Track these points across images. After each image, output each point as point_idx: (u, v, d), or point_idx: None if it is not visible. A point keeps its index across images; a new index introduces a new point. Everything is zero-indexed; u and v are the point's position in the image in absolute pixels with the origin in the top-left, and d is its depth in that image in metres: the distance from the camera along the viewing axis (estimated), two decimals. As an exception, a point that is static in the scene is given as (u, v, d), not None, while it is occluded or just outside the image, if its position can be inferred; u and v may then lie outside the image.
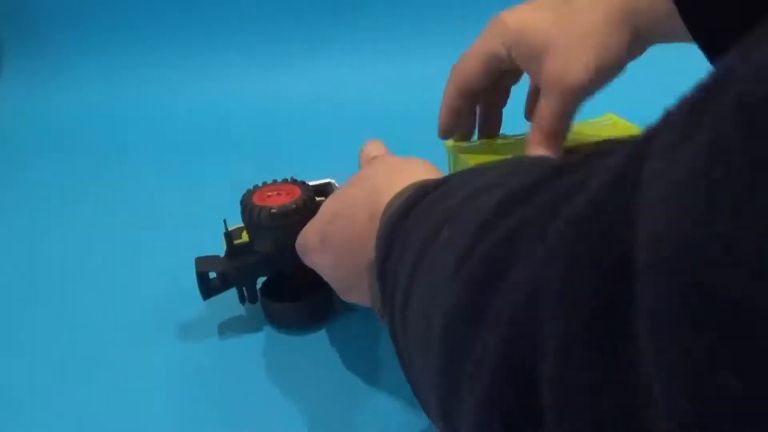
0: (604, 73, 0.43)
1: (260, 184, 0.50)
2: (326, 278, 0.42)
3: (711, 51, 0.40)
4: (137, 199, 0.72)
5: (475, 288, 0.21)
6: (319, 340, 0.50)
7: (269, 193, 0.49)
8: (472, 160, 0.52)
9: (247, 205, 0.47)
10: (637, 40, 0.43)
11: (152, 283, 0.56)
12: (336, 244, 0.39)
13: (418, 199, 0.30)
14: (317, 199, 0.51)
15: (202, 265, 0.48)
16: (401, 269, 0.29)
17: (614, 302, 0.16)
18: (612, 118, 0.64)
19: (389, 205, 0.34)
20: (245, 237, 0.50)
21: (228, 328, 0.52)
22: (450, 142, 0.58)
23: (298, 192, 0.48)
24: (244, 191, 0.49)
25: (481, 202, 0.24)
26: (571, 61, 0.42)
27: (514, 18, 0.44)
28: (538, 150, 0.44)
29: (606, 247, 0.16)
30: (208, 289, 0.49)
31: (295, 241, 0.45)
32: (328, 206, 0.41)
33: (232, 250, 0.48)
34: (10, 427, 0.44)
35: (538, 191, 0.21)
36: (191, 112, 0.91)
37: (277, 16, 0.95)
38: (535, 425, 0.18)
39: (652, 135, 0.16)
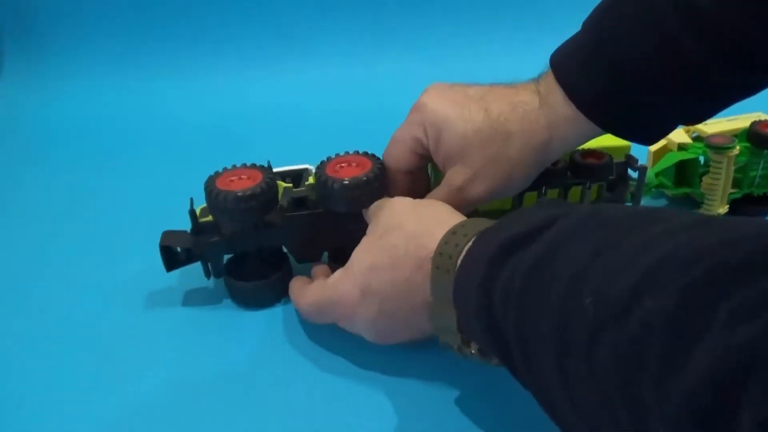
0: (503, 195, 0.49)
1: (221, 170, 0.50)
2: (362, 327, 0.44)
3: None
4: (136, 198, 0.72)
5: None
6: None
7: (232, 178, 0.49)
8: None
9: (211, 190, 0.48)
10: (543, 165, 0.48)
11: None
12: (380, 294, 0.42)
13: (511, 251, 0.32)
14: (289, 185, 0.53)
15: (168, 239, 0.50)
16: (527, 326, 0.30)
17: None
18: None
19: (442, 252, 0.37)
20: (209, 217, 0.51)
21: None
22: None
23: (259, 176, 0.49)
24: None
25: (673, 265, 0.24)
26: (476, 181, 0.46)
27: (436, 109, 0.46)
28: None
29: None
30: (172, 261, 0.51)
31: (256, 222, 0.49)
32: (360, 259, 0.43)
33: (197, 228, 0.50)
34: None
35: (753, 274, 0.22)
36: (192, 112, 0.90)
37: (280, 13, 0.96)
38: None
39: None
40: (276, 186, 0.49)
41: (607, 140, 0.60)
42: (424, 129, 0.47)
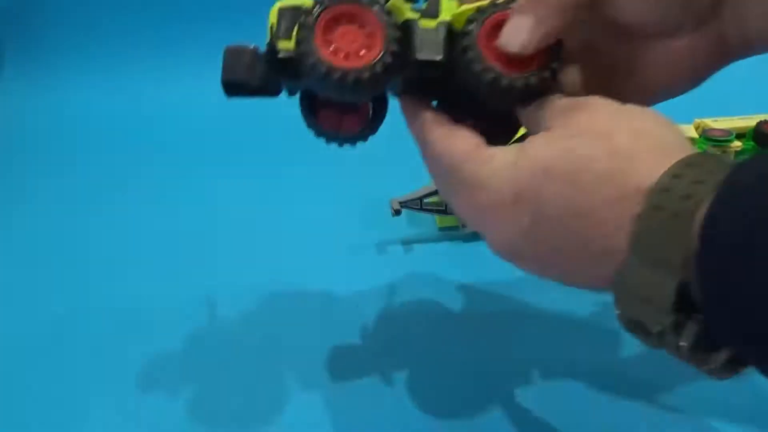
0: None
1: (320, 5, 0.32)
2: (489, 237, 0.31)
3: None
4: (137, 197, 0.70)
5: None
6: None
7: (339, 35, 0.32)
8: None
9: (312, 62, 0.31)
10: None
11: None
12: (540, 212, 0.28)
13: None
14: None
15: (232, 69, 0.35)
16: None
17: None
18: None
19: (670, 188, 0.25)
20: (291, 44, 0.33)
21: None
22: None
23: (378, 33, 0.31)
24: (300, 17, 0.32)
25: None
26: None
27: None
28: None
29: None
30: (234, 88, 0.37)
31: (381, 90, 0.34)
32: (534, 154, 0.29)
33: (275, 67, 0.34)
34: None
35: None
36: (192, 112, 0.88)
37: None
38: None
39: None
40: (403, 42, 0.32)
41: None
42: None
